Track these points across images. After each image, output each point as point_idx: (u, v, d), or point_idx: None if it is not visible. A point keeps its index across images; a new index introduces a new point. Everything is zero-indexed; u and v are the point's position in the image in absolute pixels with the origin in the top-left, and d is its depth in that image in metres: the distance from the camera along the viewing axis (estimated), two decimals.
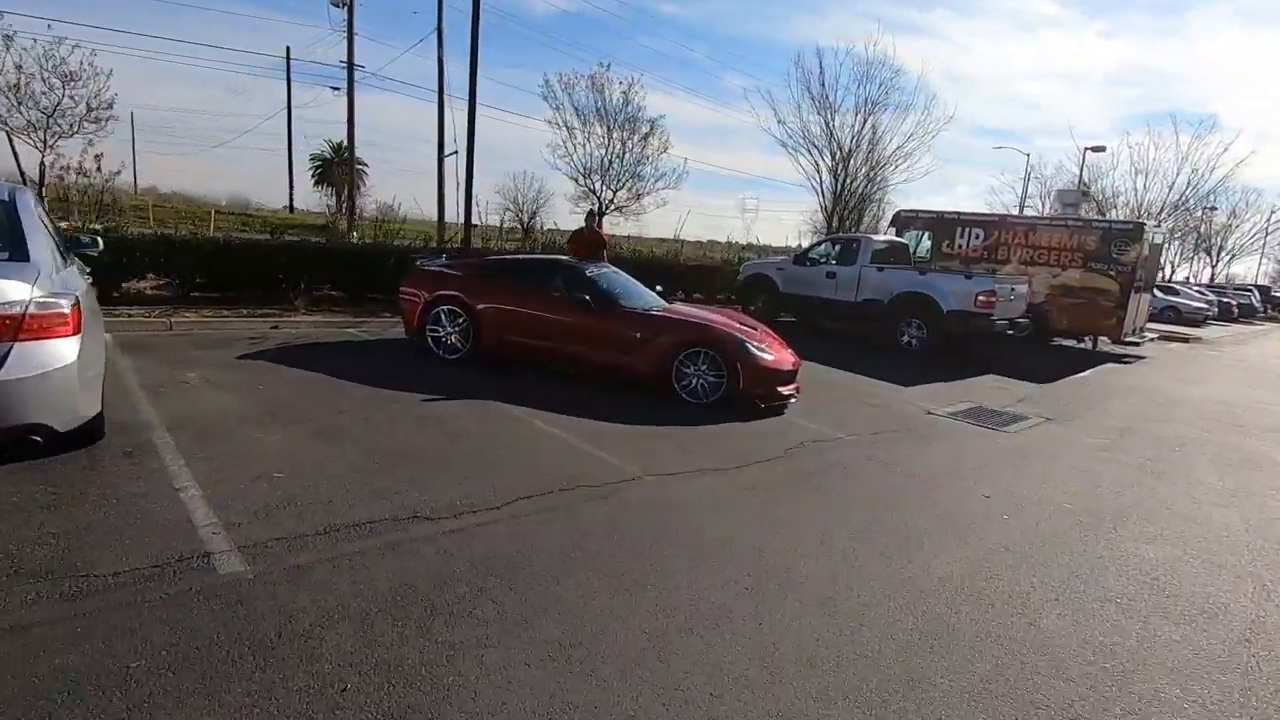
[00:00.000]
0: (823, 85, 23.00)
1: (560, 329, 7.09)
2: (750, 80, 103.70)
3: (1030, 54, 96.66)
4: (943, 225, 15.72)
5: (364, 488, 3.93)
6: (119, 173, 11.29)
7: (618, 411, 6.15)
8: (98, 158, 11.00)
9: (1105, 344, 14.71)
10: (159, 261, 8.63)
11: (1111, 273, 13.63)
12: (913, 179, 24.72)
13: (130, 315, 7.83)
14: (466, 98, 14.08)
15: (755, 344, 6.78)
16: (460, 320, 7.38)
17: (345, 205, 30.38)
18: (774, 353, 6.93)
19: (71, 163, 10.95)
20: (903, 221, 16.26)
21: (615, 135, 20.42)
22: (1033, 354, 13.14)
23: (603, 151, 20.71)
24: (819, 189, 24.37)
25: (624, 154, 20.55)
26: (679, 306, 7.90)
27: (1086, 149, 29.79)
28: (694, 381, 6.69)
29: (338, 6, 27.29)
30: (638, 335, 6.87)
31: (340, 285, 10.65)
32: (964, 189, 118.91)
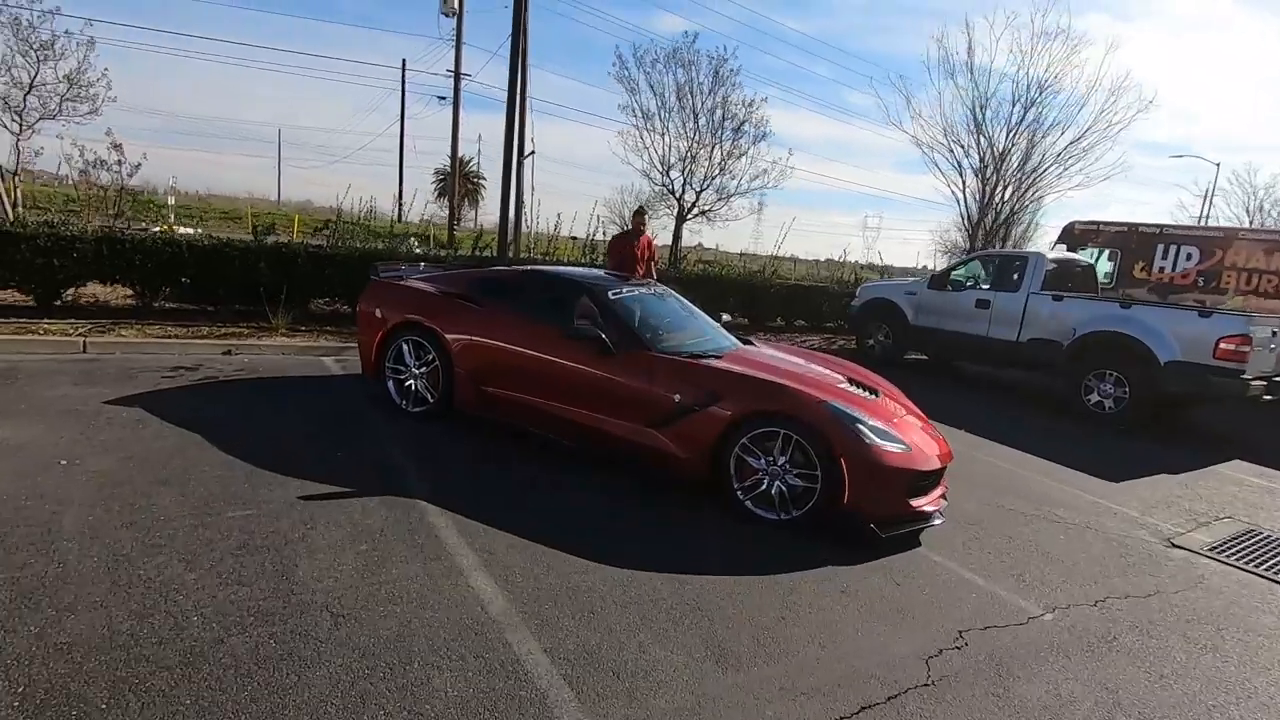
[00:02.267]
0: (971, 69, 19.13)
1: (561, 380, 4.59)
2: (879, 97, 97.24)
3: (1199, 58, 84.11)
4: (1137, 241, 11.87)
5: None
6: (139, 166, 10.12)
7: (625, 532, 3.60)
8: (117, 147, 9.85)
9: None
10: (102, 266, 7.01)
11: None
12: (1088, 183, 19.74)
13: (45, 331, 6.13)
14: (507, 86, 11.87)
15: (872, 423, 3.94)
16: (429, 358, 5.08)
17: (449, 215, 29.90)
18: (907, 436, 4.06)
19: (93, 156, 9.86)
20: (1077, 236, 12.52)
21: (702, 121, 16.78)
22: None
23: (685, 143, 17.17)
24: (960, 197, 20.44)
25: (713, 145, 16.98)
26: (755, 351, 5.15)
27: None
28: (766, 482, 3.96)
29: (448, 16, 27.29)
30: (676, 398, 4.24)
31: (349, 299, 8.75)
32: (1118, 208, 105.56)
